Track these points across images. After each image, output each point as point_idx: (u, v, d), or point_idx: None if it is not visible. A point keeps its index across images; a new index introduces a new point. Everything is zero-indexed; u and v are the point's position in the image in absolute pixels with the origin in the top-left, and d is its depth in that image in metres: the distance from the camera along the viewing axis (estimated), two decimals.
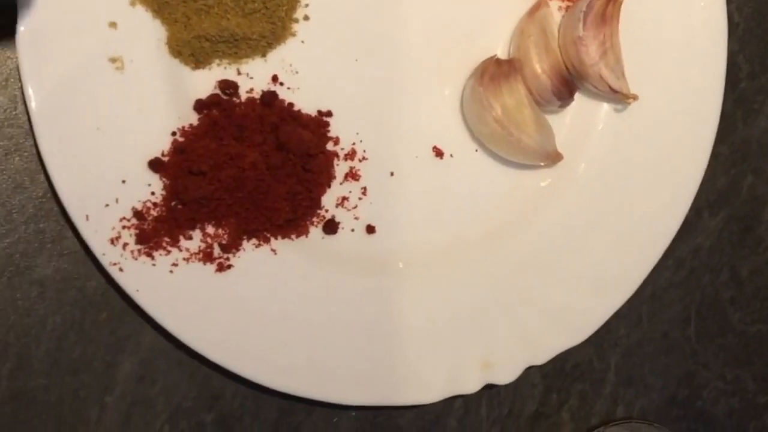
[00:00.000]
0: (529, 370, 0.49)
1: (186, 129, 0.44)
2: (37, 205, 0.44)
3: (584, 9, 0.47)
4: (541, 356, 0.48)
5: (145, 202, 0.43)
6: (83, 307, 0.45)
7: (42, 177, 0.44)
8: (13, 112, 0.43)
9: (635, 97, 0.48)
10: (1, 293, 0.44)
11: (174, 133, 0.44)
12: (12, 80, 0.43)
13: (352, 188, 0.47)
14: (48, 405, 0.44)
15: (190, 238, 0.44)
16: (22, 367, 0.44)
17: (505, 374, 0.48)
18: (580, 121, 0.49)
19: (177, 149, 0.43)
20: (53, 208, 0.44)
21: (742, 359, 0.54)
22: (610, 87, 0.47)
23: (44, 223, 0.44)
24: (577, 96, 0.48)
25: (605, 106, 0.49)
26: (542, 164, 0.48)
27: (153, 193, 0.43)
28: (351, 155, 0.47)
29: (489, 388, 0.49)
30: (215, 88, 0.45)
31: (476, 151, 0.48)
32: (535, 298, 0.48)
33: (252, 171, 0.44)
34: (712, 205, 0.53)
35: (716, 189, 0.53)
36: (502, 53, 0.48)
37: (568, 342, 0.48)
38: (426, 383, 0.47)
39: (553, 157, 0.48)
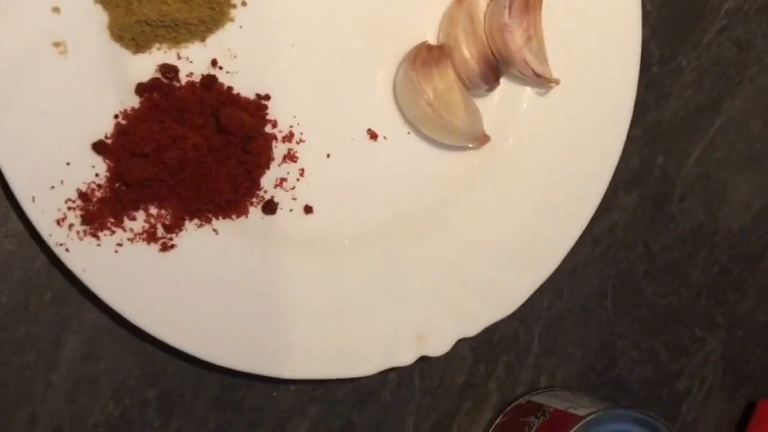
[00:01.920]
0: (460, 343, 0.51)
1: (128, 112, 0.45)
2: None
3: None
4: (472, 329, 0.50)
5: (89, 184, 0.44)
6: (27, 288, 0.45)
7: None
8: None
9: (557, 82, 0.50)
10: None
11: (117, 116, 0.45)
12: None
13: (290, 170, 0.48)
14: None
15: (134, 218, 0.45)
16: None
17: (438, 347, 0.50)
18: (506, 104, 0.52)
19: (120, 132, 0.44)
20: None
21: (654, 330, 0.57)
22: (534, 72, 0.50)
23: None
24: (502, 80, 0.51)
25: (529, 90, 0.52)
26: (471, 146, 0.51)
27: (97, 175, 0.44)
28: (289, 137, 0.48)
29: (422, 360, 0.51)
30: (156, 71, 0.46)
31: (408, 133, 0.50)
32: (466, 273, 0.50)
33: (194, 153, 0.45)
34: (626, 184, 0.56)
35: (630, 169, 0.56)
36: (432, 39, 0.50)
37: (497, 315, 0.51)
38: (363, 357, 0.48)
39: (481, 139, 0.50)
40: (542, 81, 0.50)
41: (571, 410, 0.50)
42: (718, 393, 0.58)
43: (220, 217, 0.47)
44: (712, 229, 0.58)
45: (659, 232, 0.57)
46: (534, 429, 0.51)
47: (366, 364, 0.49)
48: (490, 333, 0.53)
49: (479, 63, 0.49)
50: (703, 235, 0.58)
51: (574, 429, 0.48)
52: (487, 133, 0.50)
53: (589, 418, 0.48)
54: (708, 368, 0.58)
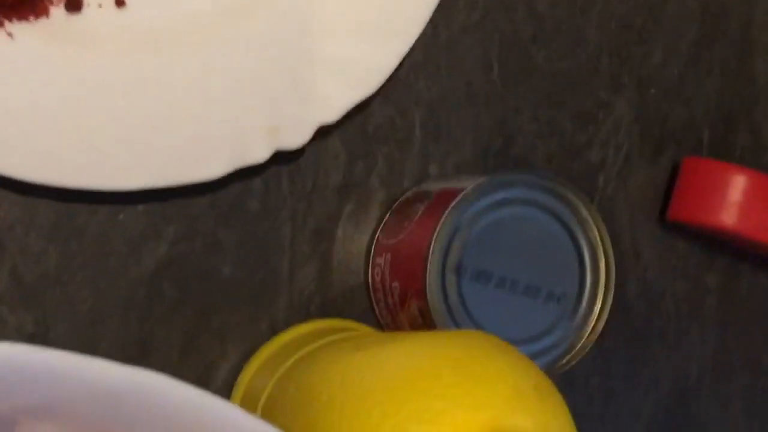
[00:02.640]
0: (328, 140, 0.46)
1: None
2: None
3: None
4: (330, 113, 0.45)
5: None
6: None
7: None
8: None
9: None
10: None
11: None
12: None
13: None
14: None
15: None
16: None
17: (294, 137, 0.44)
18: None
19: None
20: None
21: (553, 99, 0.51)
22: None
23: None
24: None
25: None
26: None
27: None
28: None
29: (288, 163, 0.46)
30: None
31: None
32: (312, 52, 0.45)
33: None
34: None
35: None
36: None
37: (356, 95, 0.45)
38: (208, 157, 0.43)
39: None
40: None
41: (455, 186, 0.44)
42: (637, 159, 0.52)
43: (15, 19, 0.41)
44: None
45: None
46: (419, 214, 0.45)
47: (214, 166, 0.43)
48: (363, 124, 0.48)
49: None
50: None
51: (455, 202, 0.43)
52: None
53: (471, 188, 0.43)
54: (622, 134, 0.52)
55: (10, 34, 0.41)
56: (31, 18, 0.42)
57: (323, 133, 0.46)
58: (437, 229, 0.43)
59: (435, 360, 0.35)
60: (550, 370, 0.44)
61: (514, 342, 0.43)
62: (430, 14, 0.46)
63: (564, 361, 0.44)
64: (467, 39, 0.49)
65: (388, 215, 0.48)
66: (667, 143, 0.53)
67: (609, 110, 0.52)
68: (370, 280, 0.48)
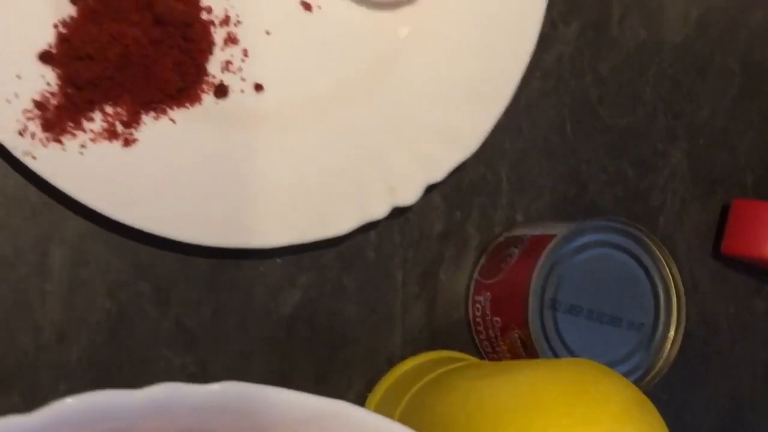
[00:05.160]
0: (431, 196, 0.53)
1: (67, 20, 0.46)
2: None
3: None
4: (438, 173, 0.52)
5: (43, 93, 0.46)
6: (6, 206, 0.47)
7: None
8: None
9: None
10: None
11: (56, 26, 0.46)
12: None
13: (233, 52, 0.50)
14: None
15: (92, 119, 0.46)
16: None
17: (408, 195, 0.52)
18: None
19: (62, 39, 0.46)
20: None
21: (618, 151, 0.59)
22: None
23: None
24: None
25: None
26: (405, 1, 0.52)
27: (49, 84, 0.46)
28: (226, 21, 0.50)
29: (398, 216, 0.53)
30: None
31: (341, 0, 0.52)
32: (422, 121, 0.52)
33: (135, 47, 0.47)
34: (564, 16, 0.57)
35: (564, 0, 0.57)
36: None
37: (459, 156, 0.53)
38: (339, 216, 0.50)
39: None
40: None
41: (547, 233, 0.52)
42: (692, 201, 0.60)
43: (175, 107, 0.48)
44: (656, 45, 0.59)
45: (605, 57, 0.58)
46: (515, 259, 0.53)
47: (342, 222, 0.51)
48: (459, 180, 0.55)
49: None
50: (648, 52, 0.59)
51: (550, 246, 0.50)
52: None
53: (563, 234, 0.50)
54: (677, 180, 0.60)
55: (172, 120, 0.48)
56: (188, 105, 0.49)
57: (428, 189, 0.53)
58: (535, 270, 0.50)
59: (555, 384, 0.42)
60: None
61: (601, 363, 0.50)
62: (517, 84, 0.54)
63: (645, 381, 0.52)
64: (543, 102, 0.57)
65: (483, 258, 0.55)
66: (717, 186, 0.60)
67: (666, 159, 0.60)
68: (470, 316, 0.55)
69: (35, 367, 0.47)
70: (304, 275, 0.52)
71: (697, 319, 0.60)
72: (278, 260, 0.52)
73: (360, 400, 0.53)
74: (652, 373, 0.52)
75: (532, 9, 0.54)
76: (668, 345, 0.52)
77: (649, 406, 0.43)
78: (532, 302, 0.50)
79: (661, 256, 0.52)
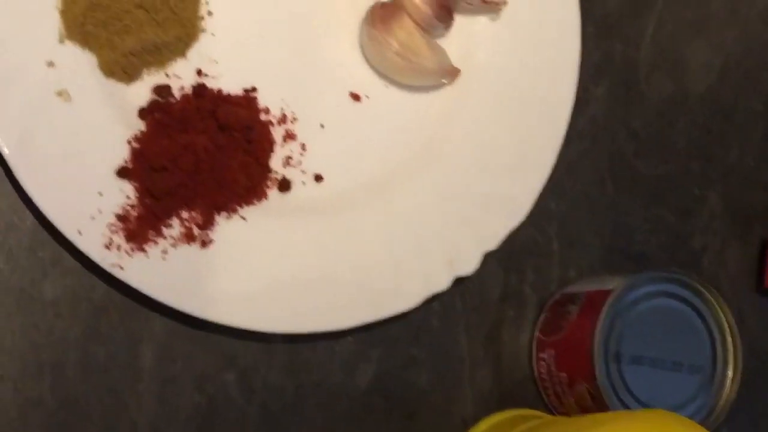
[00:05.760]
0: (487, 259, 0.56)
1: (138, 136, 0.50)
2: (30, 237, 0.49)
3: None
4: (493, 241, 0.55)
5: (123, 206, 0.49)
6: (96, 314, 0.50)
7: (27, 212, 0.49)
8: None
9: (505, 2, 0.55)
10: (23, 322, 0.49)
11: (129, 142, 0.49)
12: None
13: (292, 147, 0.53)
14: (91, 406, 0.50)
15: (170, 226, 0.49)
16: (59, 378, 0.49)
17: (468, 265, 0.54)
18: (465, 36, 0.56)
19: (136, 154, 0.49)
20: (45, 236, 0.49)
21: (658, 200, 0.61)
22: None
23: (41, 252, 0.49)
24: (456, 17, 0.56)
25: (482, 19, 0.57)
26: (445, 81, 0.55)
27: (128, 197, 0.49)
28: (283, 119, 0.53)
29: (458, 284, 0.55)
30: (152, 94, 0.50)
31: (386, 86, 0.55)
32: (474, 194, 0.55)
33: (204, 154, 0.50)
34: (594, 78, 0.60)
35: (594, 63, 0.60)
36: None
37: (511, 223, 0.55)
38: (405, 292, 0.53)
39: (452, 73, 0.55)
40: (491, 6, 0.55)
41: (603, 288, 0.55)
42: (732, 240, 0.63)
43: (244, 205, 0.51)
44: (683, 96, 0.62)
45: (636, 113, 0.61)
46: (574, 316, 0.55)
47: (409, 298, 0.53)
48: (512, 243, 0.57)
49: (431, 6, 0.54)
50: (677, 104, 0.62)
51: (609, 301, 0.53)
52: (456, 66, 0.55)
53: (620, 288, 0.53)
54: (716, 221, 0.62)
55: (243, 218, 0.51)
56: (255, 201, 0.52)
57: (484, 257, 0.56)
58: (598, 325, 0.53)
59: None
60: None
61: (669, 410, 0.53)
62: (559, 149, 0.57)
63: (711, 420, 0.54)
64: (583, 162, 0.60)
65: (542, 316, 0.58)
66: (754, 223, 0.63)
67: (703, 202, 0.62)
68: (536, 373, 0.58)
69: None
70: (376, 350, 0.55)
71: (746, 353, 0.62)
72: (350, 338, 0.54)
73: None
74: (716, 412, 0.55)
75: (565, 75, 0.57)
76: (728, 384, 0.55)
77: None
78: (598, 356, 0.52)
79: (713, 300, 0.55)
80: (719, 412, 0.54)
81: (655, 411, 0.49)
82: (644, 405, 0.53)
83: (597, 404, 0.53)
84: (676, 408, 0.54)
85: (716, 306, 0.55)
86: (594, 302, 0.54)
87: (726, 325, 0.55)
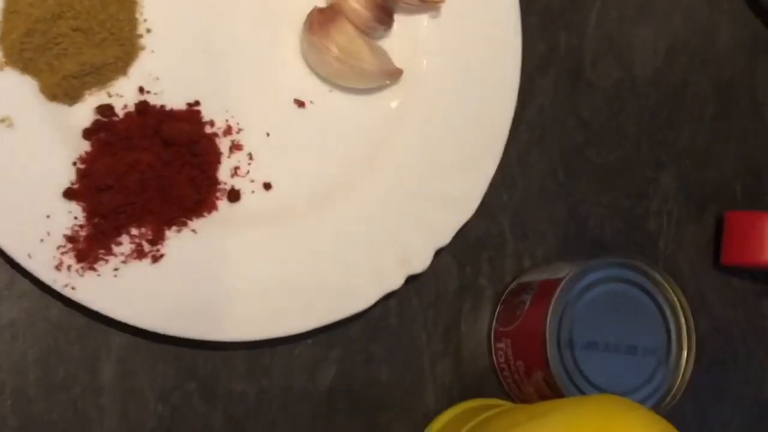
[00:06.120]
0: (440, 255, 0.57)
1: (83, 156, 0.50)
2: None
3: None
4: (444, 237, 0.56)
5: (72, 227, 0.49)
6: (53, 333, 0.51)
7: None
8: None
9: (443, 0, 0.56)
10: None
11: (75, 163, 0.50)
12: None
13: (239, 158, 0.54)
14: (53, 423, 0.51)
15: (120, 243, 0.50)
16: (21, 398, 0.50)
17: (421, 262, 0.55)
18: (407, 36, 0.57)
19: (82, 175, 0.50)
20: None
21: (611, 185, 0.62)
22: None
23: None
24: (396, 17, 0.56)
25: (423, 18, 0.57)
26: (389, 82, 0.56)
27: (76, 218, 0.50)
28: (228, 131, 0.54)
29: (413, 281, 0.56)
30: (95, 114, 0.51)
31: (330, 91, 0.56)
32: (422, 192, 0.56)
33: (150, 171, 0.51)
34: (539, 69, 0.61)
35: (538, 53, 0.61)
36: (321, 2, 0.56)
37: (462, 218, 0.56)
38: (360, 294, 0.54)
39: (394, 74, 0.56)
40: (430, 4, 0.56)
41: (554, 276, 0.55)
42: (687, 221, 0.63)
43: (194, 218, 0.52)
44: (630, 81, 0.63)
45: (584, 101, 0.62)
46: (528, 305, 0.56)
47: (364, 299, 0.54)
48: (465, 237, 0.58)
49: (369, 9, 0.55)
50: (624, 89, 0.63)
51: (559, 290, 0.54)
52: (398, 66, 0.56)
53: (568, 276, 0.54)
54: (670, 203, 0.63)
55: (194, 231, 0.52)
56: (205, 214, 0.53)
57: (437, 252, 0.57)
58: (549, 314, 0.53)
59: (583, 426, 0.45)
60: (658, 410, 0.54)
61: (624, 393, 0.54)
62: (505, 141, 0.57)
63: (668, 399, 0.55)
64: (533, 153, 0.61)
65: (499, 307, 0.59)
66: (708, 202, 0.64)
67: (656, 185, 0.63)
68: (495, 363, 0.58)
69: None
70: (335, 350, 0.56)
71: (709, 330, 0.63)
72: (309, 341, 0.55)
73: None
74: (673, 391, 0.55)
75: (508, 67, 0.58)
76: (683, 363, 0.56)
77: None
78: (550, 344, 0.53)
79: (664, 282, 0.56)
80: (675, 391, 0.55)
81: (606, 396, 0.50)
82: (600, 389, 0.54)
83: (553, 391, 0.54)
84: (633, 390, 0.55)
85: (668, 288, 0.56)
86: (546, 291, 0.55)
87: (679, 307, 0.56)
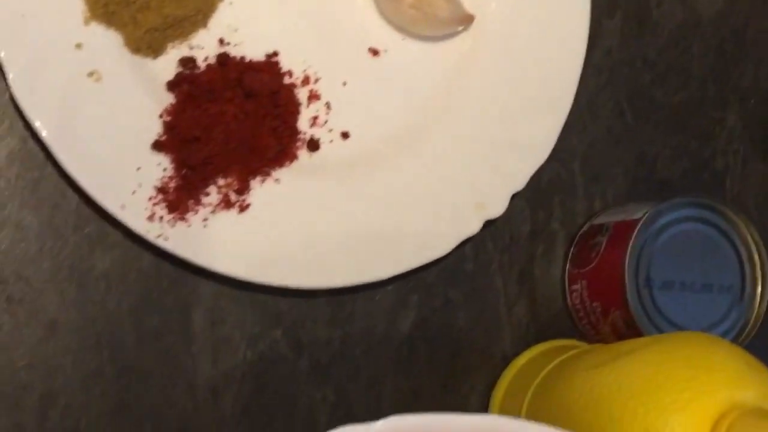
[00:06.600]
0: (513, 200, 0.57)
1: (168, 109, 0.51)
2: (76, 215, 0.51)
3: None
4: (519, 182, 0.56)
5: (162, 179, 0.50)
6: (146, 283, 0.52)
7: (70, 192, 0.51)
8: (26, 149, 0.50)
9: None
10: (77, 296, 0.51)
11: (161, 116, 0.51)
12: (15, 124, 0.50)
13: (318, 107, 0.55)
14: (148, 371, 0.52)
15: (208, 194, 0.51)
16: (116, 349, 0.51)
17: (497, 208, 0.56)
18: None
19: (168, 127, 0.51)
20: (89, 213, 0.51)
21: (678, 126, 0.63)
22: None
23: (88, 228, 0.51)
24: None
25: None
26: (461, 29, 0.56)
27: (165, 170, 0.50)
28: (306, 81, 0.54)
29: (488, 226, 0.57)
30: (178, 67, 0.52)
31: (403, 39, 0.56)
32: (498, 137, 0.57)
33: (234, 123, 0.51)
34: (606, 11, 0.61)
35: None
36: None
37: (536, 163, 0.57)
38: (439, 239, 0.55)
39: (467, 19, 0.56)
40: None
41: (629, 218, 0.56)
42: (753, 159, 0.64)
43: (277, 168, 0.53)
44: (695, 21, 0.63)
45: (650, 42, 0.62)
46: (603, 247, 0.57)
47: (443, 245, 0.55)
48: (537, 182, 0.59)
49: None
50: (689, 29, 0.63)
51: (636, 230, 0.54)
52: (470, 12, 0.56)
53: (645, 217, 0.55)
54: (736, 142, 0.64)
55: (277, 180, 0.53)
56: (287, 163, 0.53)
57: (511, 197, 0.57)
58: (627, 254, 0.54)
59: (672, 362, 0.46)
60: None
61: (703, 330, 0.55)
62: (576, 85, 0.58)
63: (743, 335, 0.56)
64: (601, 96, 0.61)
65: (572, 249, 0.60)
66: None
67: (722, 125, 0.63)
68: (570, 305, 0.59)
69: (197, 425, 0.52)
70: (414, 296, 0.57)
71: None
72: (389, 287, 0.56)
73: (484, 400, 0.57)
74: (748, 328, 0.56)
75: (578, 11, 0.58)
76: (757, 300, 0.57)
77: (760, 366, 0.46)
78: (629, 284, 0.54)
79: (738, 220, 0.56)
80: (750, 328, 0.56)
81: (689, 332, 0.50)
82: (678, 327, 0.55)
83: (631, 330, 0.55)
84: (709, 328, 0.56)
85: (741, 226, 0.56)
86: (621, 232, 0.56)
87: (752, 244, 0.57)
